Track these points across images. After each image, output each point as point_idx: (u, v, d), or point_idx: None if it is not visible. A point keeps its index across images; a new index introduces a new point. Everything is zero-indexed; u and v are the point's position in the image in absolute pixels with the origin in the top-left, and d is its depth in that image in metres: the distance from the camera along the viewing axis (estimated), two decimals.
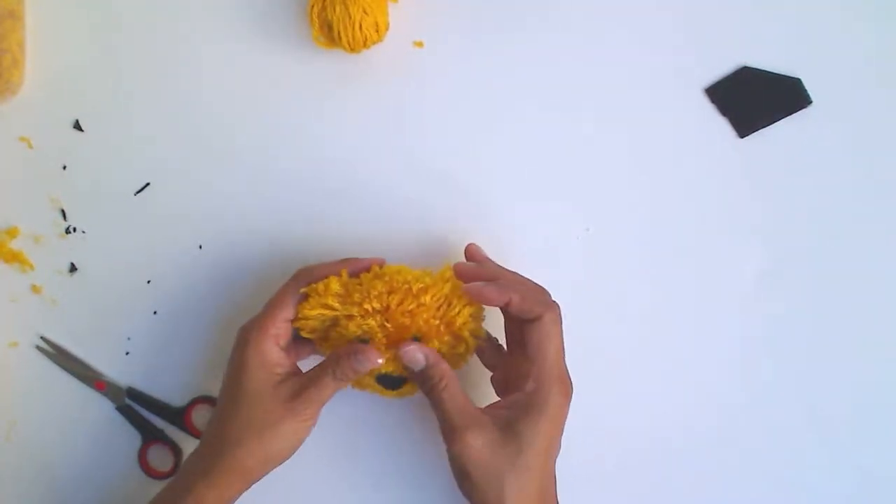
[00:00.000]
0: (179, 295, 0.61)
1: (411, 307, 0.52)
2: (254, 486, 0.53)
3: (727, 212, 0.60)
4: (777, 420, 0.59)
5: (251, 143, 0.61)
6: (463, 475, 0.51)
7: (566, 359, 0.52)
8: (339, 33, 0.57)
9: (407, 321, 0.52)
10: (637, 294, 0.60)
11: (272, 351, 0.53)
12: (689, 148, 0.60)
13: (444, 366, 0.52)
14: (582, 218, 0.60)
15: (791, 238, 0.60)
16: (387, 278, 0.53)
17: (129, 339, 0.61)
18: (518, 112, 0.60)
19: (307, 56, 0.60)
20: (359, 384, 0.55)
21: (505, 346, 0.57)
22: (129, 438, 0.61)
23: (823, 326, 0.59)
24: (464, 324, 0.53)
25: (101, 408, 0.61)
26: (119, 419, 0.61)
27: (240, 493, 0.53)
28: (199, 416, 0.60)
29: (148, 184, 0.61)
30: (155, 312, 0.61)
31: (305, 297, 0.54)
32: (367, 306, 0.52)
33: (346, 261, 0.55)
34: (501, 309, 0.53)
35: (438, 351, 0.53)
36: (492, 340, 0.57)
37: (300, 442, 0.53)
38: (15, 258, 0.61)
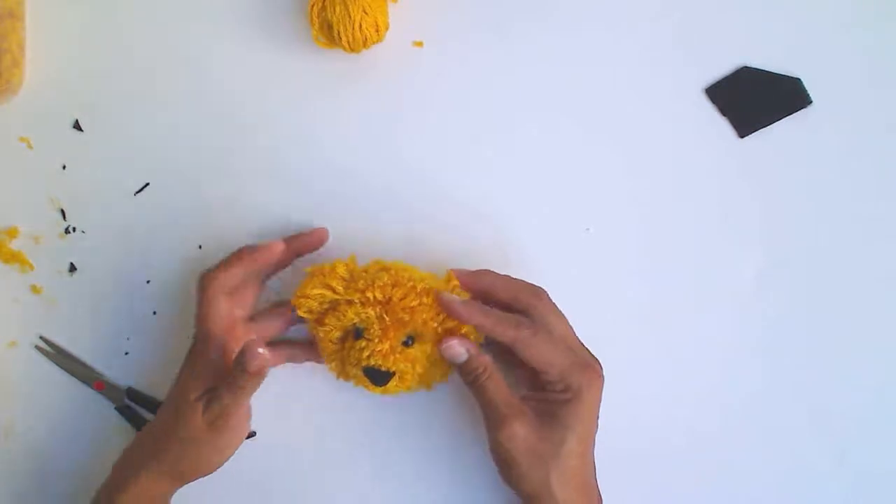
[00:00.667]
0: (179, 295, 0.61)
1: (413, 304, 0.52)
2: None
3: (727, 212, 0.60)
4: (776, 420, 0.59)
5: (251, 142, 0.61)
6: (508, 463, 0.52)
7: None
8: (338, 33, 0.57)
9: (406, 317, 0.52)
10: (637, 294, 0.60)
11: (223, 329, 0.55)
12: (689, 148, 0.60)
13: (486, 357, 0.53)
14: (582, 218, 0.60)
15: (790, 238, 0.60)
16: (392, 272, 0.53)
17: (128, 339, 0.61)
18: (518, 112, 0.60)
19: (307, 56, 0.60)
20: (345, 375, 0.55)
21: None
22: (129, 439, 0.60)
23: (823, 326, 0.59)
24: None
25: (101, 408, 0.61)
26: (118, 419, 0.61)
27: (180, 486, 0.55)
28: None
29: (148, 184, 0.61)
30: (154, 312, 0.61)
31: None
32: (369, 294, 0.52)
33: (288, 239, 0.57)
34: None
35: (430, 356, 0.53)
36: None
37: (230, 452, 0.55)
38: (15, 258, 0.61)
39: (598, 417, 0.53)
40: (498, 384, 0.52)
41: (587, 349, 0.54)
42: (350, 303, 0.52)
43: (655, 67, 0.60)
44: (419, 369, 0.54)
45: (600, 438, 0.53)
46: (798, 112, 0.59)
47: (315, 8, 0.57)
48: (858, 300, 0.59)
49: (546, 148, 0.60)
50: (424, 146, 0.60)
